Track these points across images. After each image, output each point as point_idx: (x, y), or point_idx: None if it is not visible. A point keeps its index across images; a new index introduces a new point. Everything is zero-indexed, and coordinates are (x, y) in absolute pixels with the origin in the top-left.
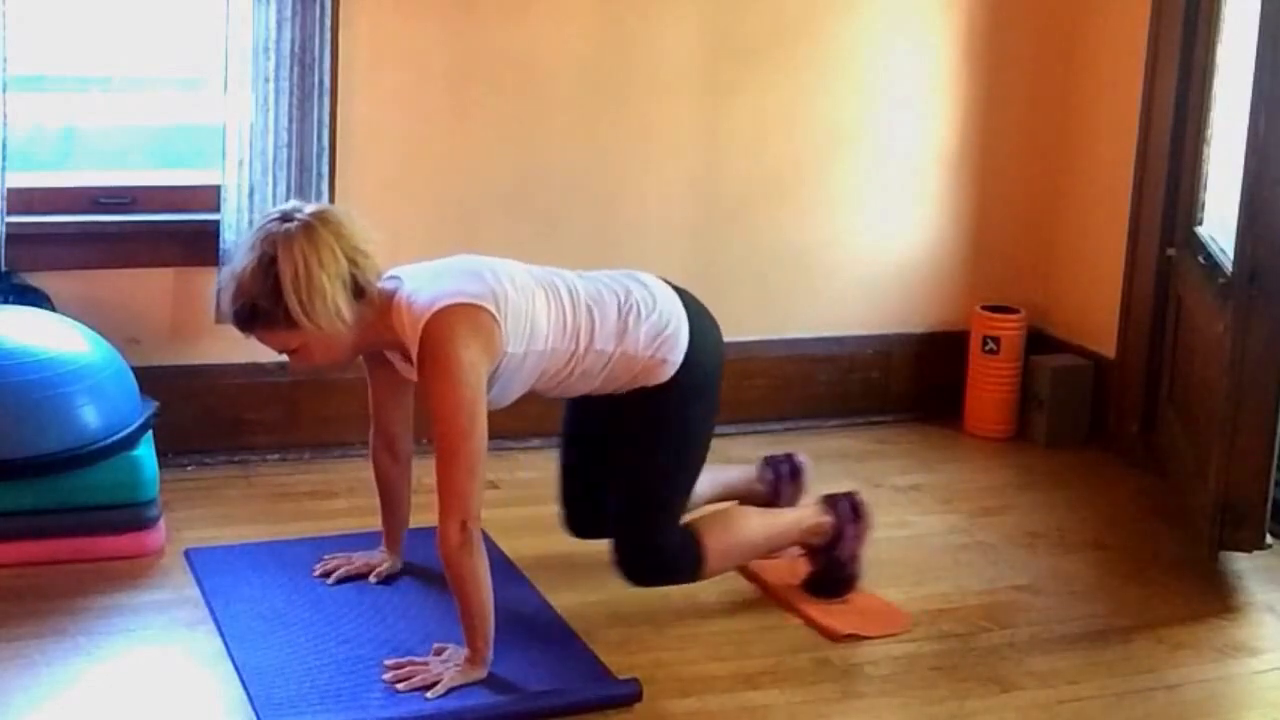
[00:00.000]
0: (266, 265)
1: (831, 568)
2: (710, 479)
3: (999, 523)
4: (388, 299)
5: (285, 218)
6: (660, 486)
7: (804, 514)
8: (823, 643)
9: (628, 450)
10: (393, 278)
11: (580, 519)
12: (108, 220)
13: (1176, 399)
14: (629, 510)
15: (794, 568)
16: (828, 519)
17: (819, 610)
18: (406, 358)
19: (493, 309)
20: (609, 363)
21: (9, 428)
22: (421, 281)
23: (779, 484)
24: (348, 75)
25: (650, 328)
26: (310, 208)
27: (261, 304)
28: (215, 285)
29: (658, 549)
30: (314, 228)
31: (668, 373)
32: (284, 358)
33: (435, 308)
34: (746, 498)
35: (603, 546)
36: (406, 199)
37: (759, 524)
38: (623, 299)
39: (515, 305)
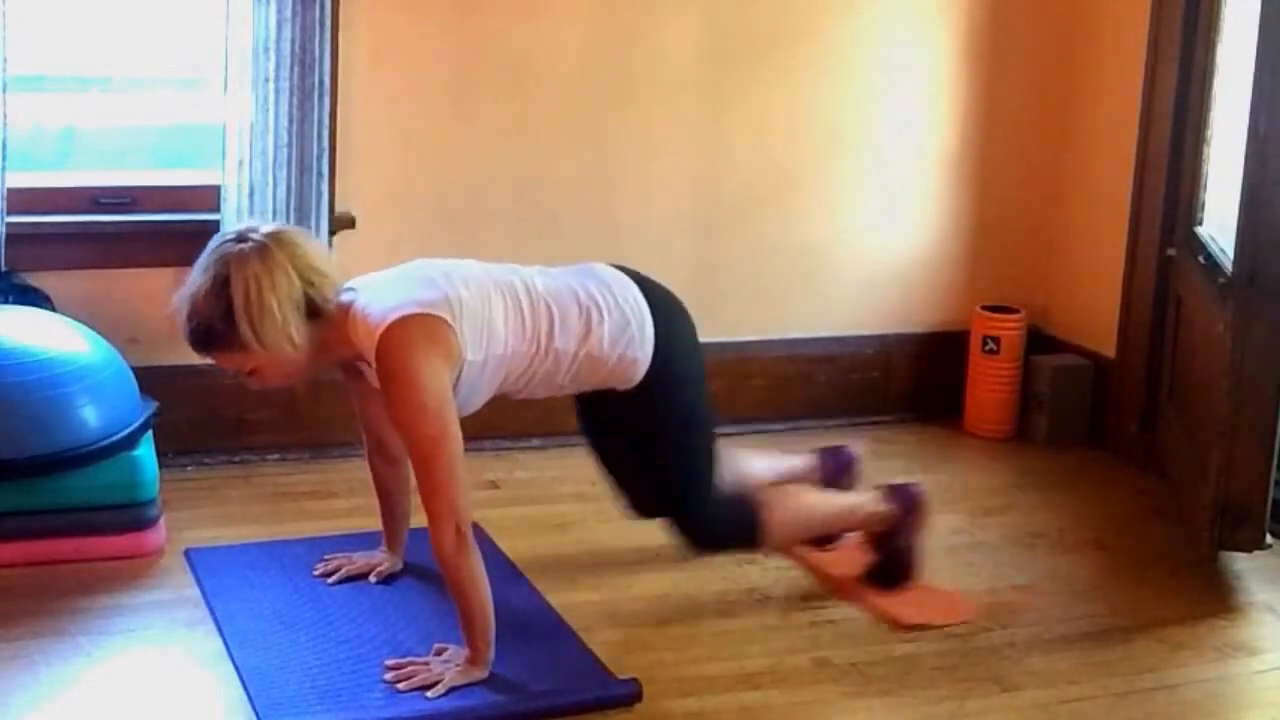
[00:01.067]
0: (220, 287)
1: (892, 557)
2: (772, 464)
3: (999, 523)
4: (344, 313)
5: (240, 238)
6: (675, 475)
7: (863, 499)
8: (823, 643)
9: (637, 445)
10: (348, 289)
11: (634, 505)
12: (108, 220)
13: (1176, 399)
14: (658, 500)
15: (854, 558)
16: (889, 507)
17: (885, 600)
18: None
19: (447, 316)
20: (573, 363)
21: (9, 428)
22: (375, 293)
23: (833, 474)
24: (348, 75)
25: (612, 326)
26: (266, 228)
27: (216, 325)
28: (173, 304)
29: (706, 518)
30: (268, 249)
31: (640, 371)
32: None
33: (389, 320)
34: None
35: (599, 547)
36: (406, 199)
37: (820, 500)
38: (583, 297)
39: (471, 310)
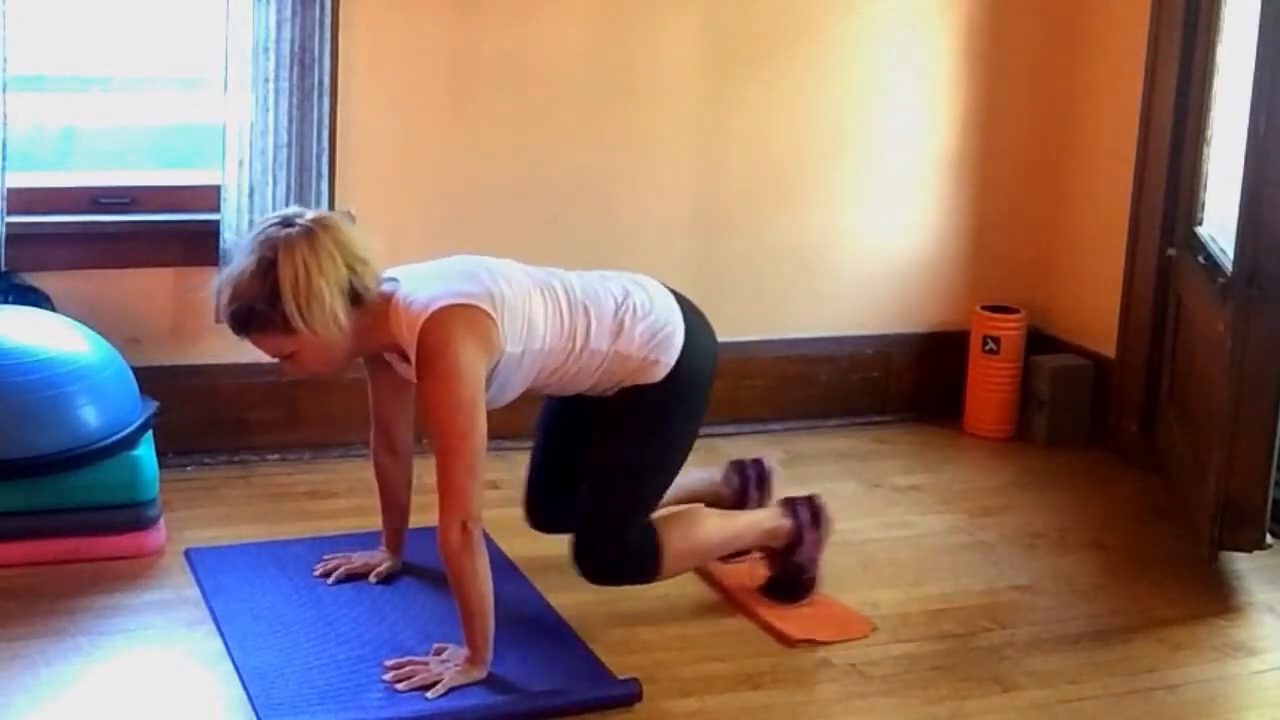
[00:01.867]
0: (265, 269)
1: (790, 572)
2: (675, 479)
3: (999, 523)
4: (384, 302)
5: (286, 222)
6: (637, 483)
7: (763, 516)
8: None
9: (610, 443)
10: (389, 279)
11: (545, 512)
12: (108, 220)
13: (1176, 399)
14: (600, 503)
15: (753, 571)
16: (787, 522)
17: (775, 614)
18: (405, 359)
19: (489, 309)
20: (604, 361)
21: (9, 428)
22: (418, 283)
23: (746, 489)
24: (348, 75)
25: (646, 328)
26: (311, 214)
27: (259, 307)
28: (213, 286)
29: (620, 545)
30: (315, 233)
31: (660, 373)
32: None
33: (432, 309)
34: (712, 501)
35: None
36: (406, 199)
37: (717, 525)
38: (620, 299)
39: (512, 305)
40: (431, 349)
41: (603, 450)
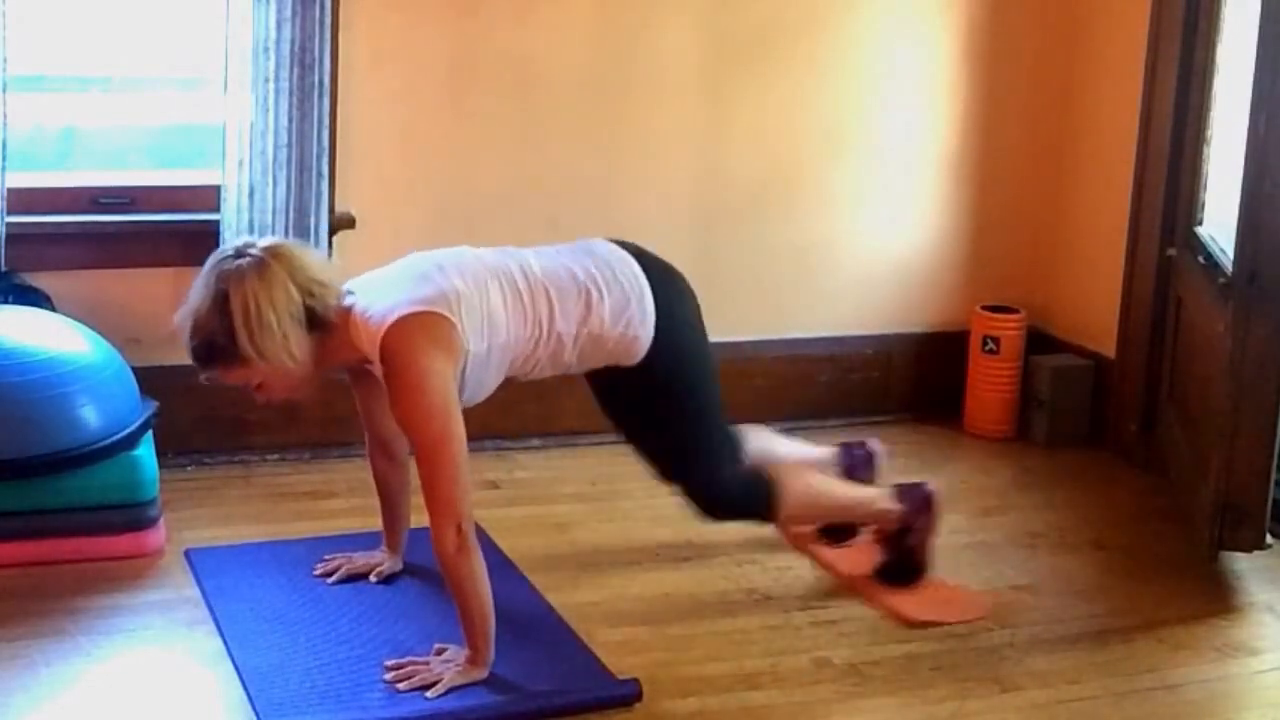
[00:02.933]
0: (220, 304)
1: (902, 555)
2: (793, 448)
3: (999, 523)
4: (344, 317)
5: (238, 254)
6: (686, 443)
7: (877, 495)
8: (823, 642)
9: (643, 422)
10: (347, 293)
11: (658, 472)
12: (108, 220)
13: (1176, 399)
14: (669, 467)
15: (865, 556)
16: (899, 506)
17: (895, 598)
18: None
19: (445, 311)
20: (576, 343)
21: (9, 428)
22: (373, 294)
23: (853, 470)
24: (348, 75)
25: (612, 305)
26: (263, 242)
27: (218, 341)
28: (177, 322)
29: (716, 486)
30: (266, 263)
31: (643, 348)
32: None
33: (390, 320)
34: None
35: (599, 547)
36: (406, 199)
37: (833, 486)
38: (581, 277)
39: (469, 300)
40: (395, 362)
41: (647, 422)
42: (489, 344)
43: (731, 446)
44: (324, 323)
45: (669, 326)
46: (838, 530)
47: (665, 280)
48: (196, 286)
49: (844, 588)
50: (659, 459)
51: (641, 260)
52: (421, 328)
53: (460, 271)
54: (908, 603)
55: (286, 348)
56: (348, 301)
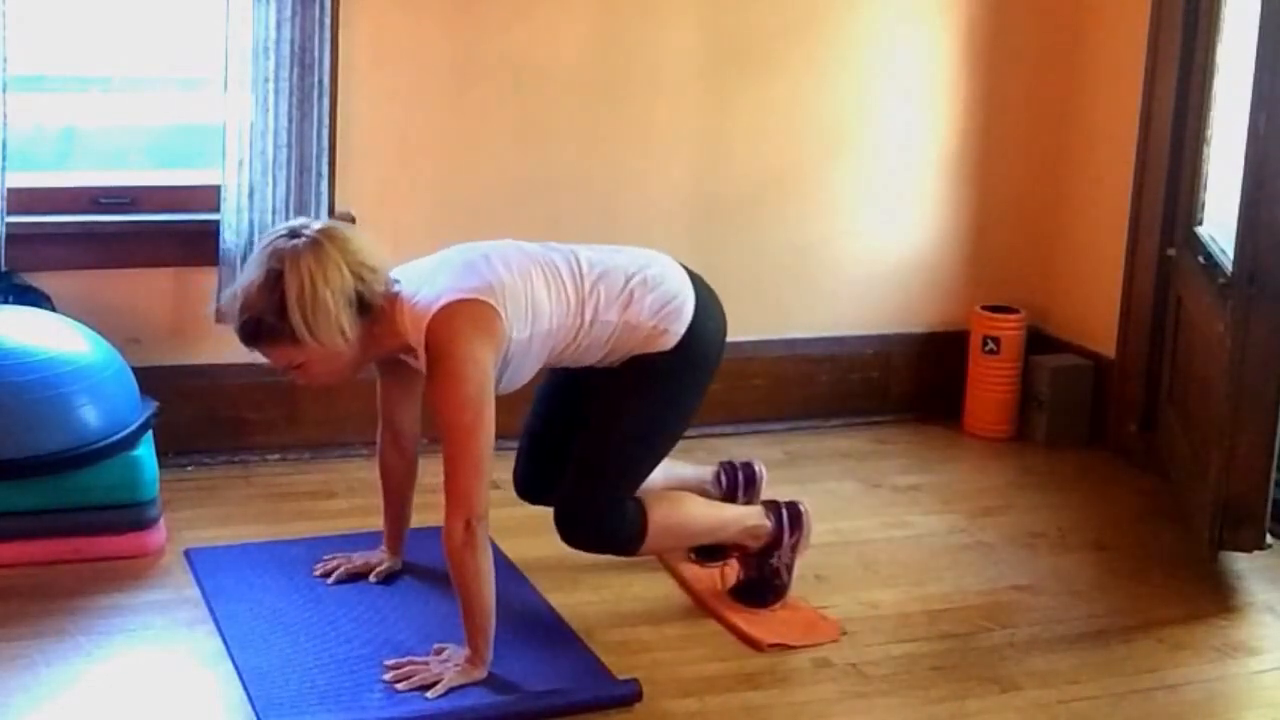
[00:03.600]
0: (273, 281)
1: (765, 574)
2: (665, 470)
3: (999, 523)
4: (390, 304)
5: (293, 234)
6: (632, 448)
7: (746, 513)
8: (822, 642)
9: (612, 410)
10: (393, 280)
11: (535, 480)
12: (108, 220)
13: (1176, 399)
14: (595, 467)
15: (723, 577)
16: (768, 523)
17: (745, 619)
18: (417, 356)
19: (491, 300)
20: (614, 332)
21: (9, 428)
22: (419, 281)
23: (734, 490)
24: (348, 75)
25: (656, 298)
26: (317, 224)
27: (267, 319)
28: (217, 297)
29: (606, 511)
30: (321, 244)
31: (669, 343)
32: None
33: (436, 307)
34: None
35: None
36: (406, 199)
37: (702, 510)
38: (632, 271)
39: (513, 290)
40: (439, 348)
41: (603, 416)
42: (532, 332)
43: (639, 483)
44: (372, 307)
45: (699, 334)
46: (710, 550)
47: (711, 304)
48: (248, 265)
49: (696, 605)
50: (586, 462)
51: (695, 281)
52: (467, 315)
53: (505, 261)
54: (757, 624)
55: (340, 326)
56: (393, 289)
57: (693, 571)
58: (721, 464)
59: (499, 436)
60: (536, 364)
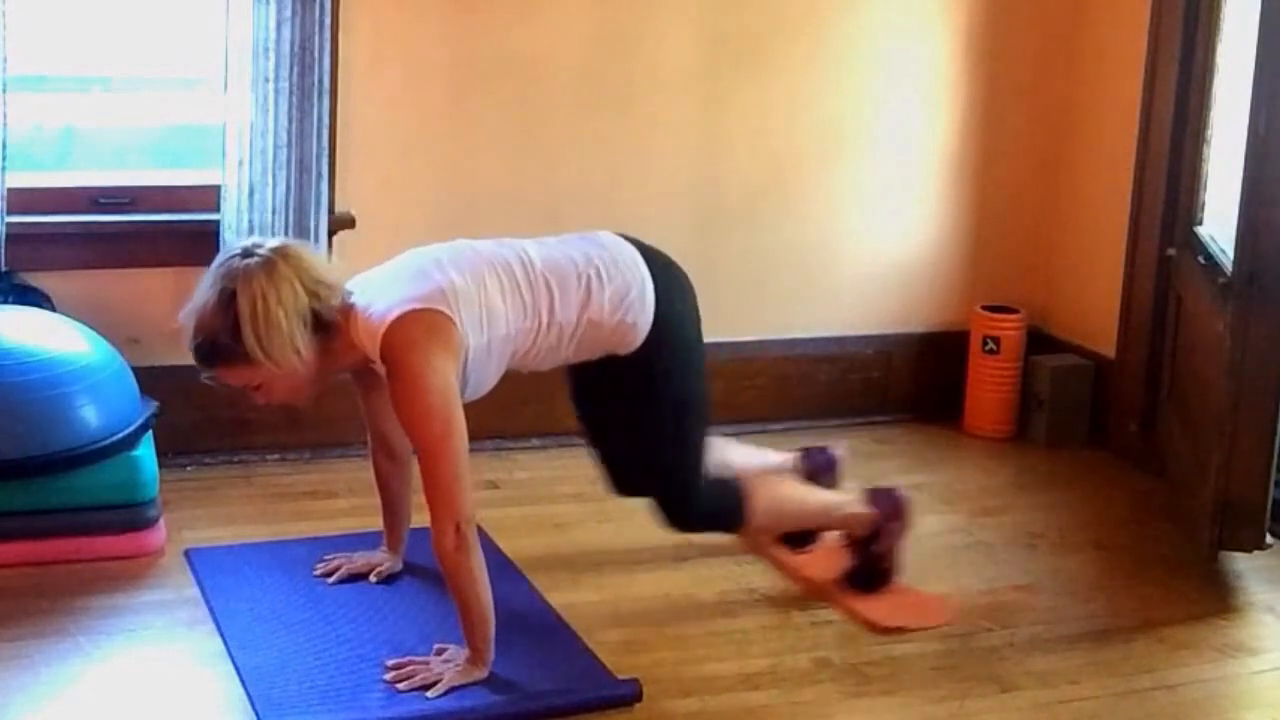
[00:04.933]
0: (226, 301)
1: (870, 561)
2: (751, 456)
3: (999, 523)
4: (345, 318)
5: (246, 253)
6: (666, 443)
7: (845, 499)
8: (823, 643)
9: (624, 417)
10: (348, 293)
11: (618, 482)
12: (108, 220)
13: (1176, 399)
14: (645, 471)
15: (832, 561)
16: (869, 511)
17: (862, 603)
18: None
19: (444, 308)
20: (575, 332)
21: (9, 428)
22: (372, 293)
23: (815, 475)
24: (348, 75)
25: (613, 294)
26: (271, 243)
27: (221, 340)
28: (180, 320)
29: (688, 497)
30: (274, 263)
31: (639, 337)
32: None
33: (389, 319)
34: None
35: (599, 547)
36: (406, 199)
37: (802, 493)
38: (582, 265)
39: (466, 295)
40: (396, 361)
41: (628, 423)
42: (488, 337)
43: (706, 458)
44: (328, 325)
45: (667, 316)
46: (799, 535)
47: (666, 273)
48: (202, 286)
49: (810, 593)
50: (633, 461)
51: (643, 252)
52: (421, 325)
53: (457, 266)
54: (875, 608)
55: (294, 346)
56: (350, 300)
57: (799, 560)
58: (802, 449)
59: (493, 436)
60: (499, 369)
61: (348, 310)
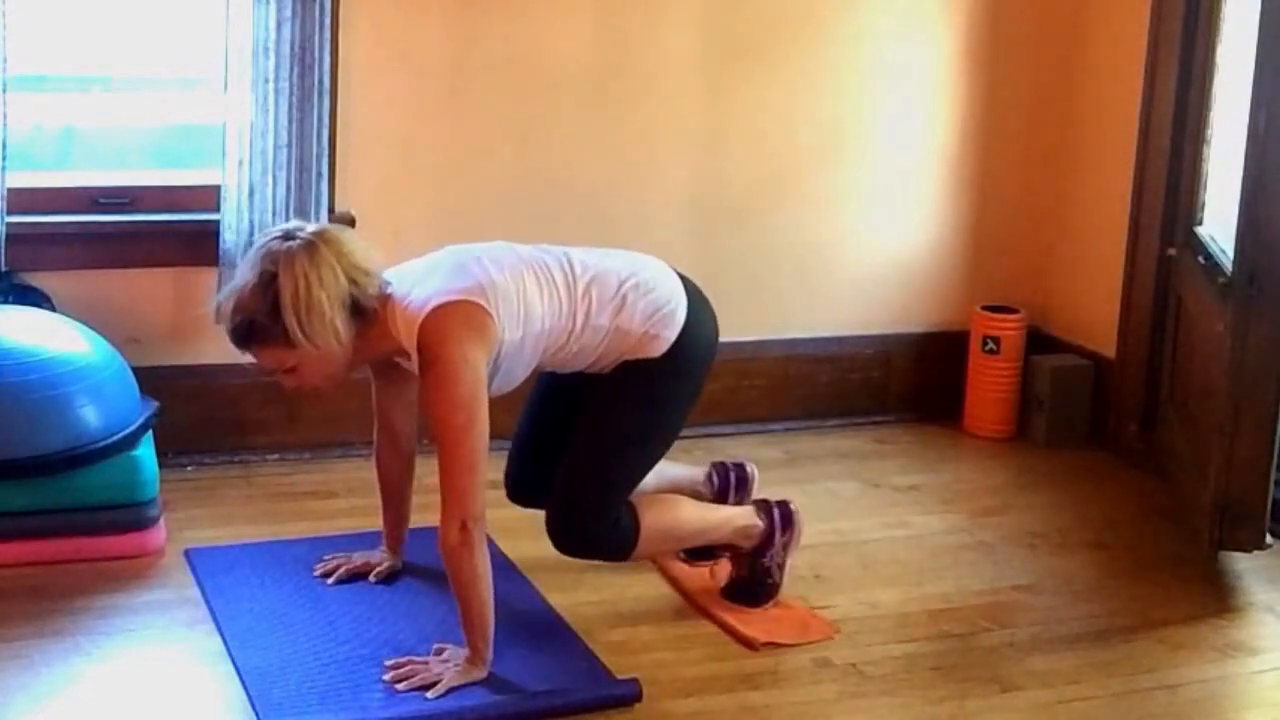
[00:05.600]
0: (267, 283)
1: (755, 574)
2: (657, 471)
3: (999, 523)
4: (382, 307)
5: (287, 236)
6: (624, 455)
7: (738, 514)
8: (823, 643)
9: (604, 415)
10: (385, 282)
11: (525, 483)
12: (108, 220)
13: (1176, 399)
14: (587, 473)
15: (715, 575)
16: (759, 523)
17: (736, 618)
18: (410, 359)
19: (483, 301)
20: (605, 337)
21: (9, 428)
22: (410, 283)
23: (725, 490)
24: (348, 75)
25: (649, 304)
26: (312, 227)
27: (260, 320)
28: (216, 300)
29: (598, 518)
30: (316, 246)
31: (660, 348)
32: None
33: (428, 309)
34: (690, 498)
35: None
36: (406, 199)
37: (693, 512)
38: (625, 276)
39: (505, 291)
40: (431, 350)
41: (596, 422)
42: (524, 333)
43: (631, 489)
44: (365, 310)
45: (688, 343)
46: (699, 550)
47: (703, 309)
48: (242, 267)
49: (689, 605)
50: (577, 468)
51: (687, 285)
52: (459, 317)
53: (497, 264)
54: (751, 623)
55: (334, 328)
56: (387, 290)
57: (683, 571)
58: (714, 464)
59: (496, 436)
60: (528, 366)
61: (385, 299)
